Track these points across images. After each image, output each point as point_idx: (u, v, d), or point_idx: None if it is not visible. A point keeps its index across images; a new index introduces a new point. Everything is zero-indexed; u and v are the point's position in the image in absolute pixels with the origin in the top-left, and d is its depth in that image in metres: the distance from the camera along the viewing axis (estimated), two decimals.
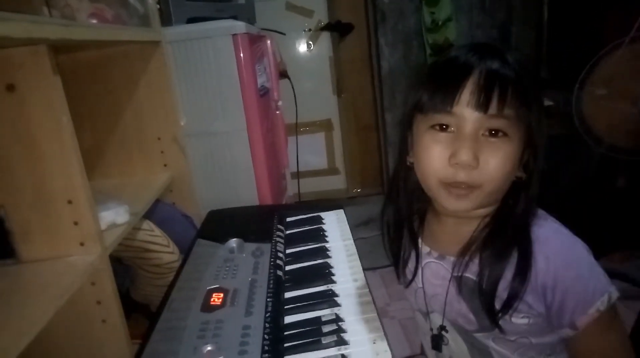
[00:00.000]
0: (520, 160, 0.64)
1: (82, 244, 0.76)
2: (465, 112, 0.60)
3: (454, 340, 0.75)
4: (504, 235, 0.64)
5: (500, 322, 0.65)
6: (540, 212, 0.67)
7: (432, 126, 0.64)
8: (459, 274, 0.69)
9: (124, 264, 1.09)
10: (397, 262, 0.80)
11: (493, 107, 0.59)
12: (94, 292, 0.79)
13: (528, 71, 0.63)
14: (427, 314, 0.78)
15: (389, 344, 0.70)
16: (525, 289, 0.62)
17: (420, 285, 0.76)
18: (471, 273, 0.67)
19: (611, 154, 1.86)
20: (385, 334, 0.73)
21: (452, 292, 0.71)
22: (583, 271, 0.62)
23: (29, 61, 0.66)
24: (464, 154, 0.59)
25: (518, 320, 0.65)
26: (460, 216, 0.69)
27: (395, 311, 1.93)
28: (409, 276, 0.78)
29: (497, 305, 0.64)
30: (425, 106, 0.64)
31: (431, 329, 0.78)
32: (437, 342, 0.77)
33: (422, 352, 1.00)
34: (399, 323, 1.85)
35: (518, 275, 0.62)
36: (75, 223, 0.75)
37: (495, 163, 0.60)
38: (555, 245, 0.63)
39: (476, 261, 0.66)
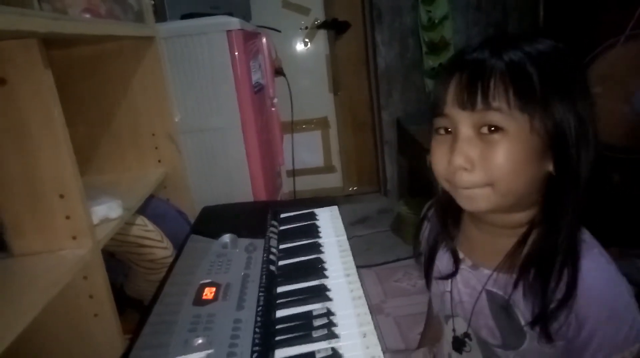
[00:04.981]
0: (543, 152, 0.58)
1: (74, 238, 0.77)
2: (454, 112, 0.59)
3: (474, 350, 0.73)
4: (550, 259, 0.60)
5: (527, 344, 0.64)
6: (587, 237, 0.62)
7: (436, 130, 0.63)
8: (493, 290, 0.67)
9: (118, 259, 1.10)
10: (431, 264, 0.77)
11: (480, 103, 0.56)
12: (86, 286, 0.79)
13: (542, 59, 0.57)
14: (450, 317, 0.76)
15: (379, 337, 0.71)
16: (567, 315, 0.59)
17: (449, 289, 0.74)
18: (502, 291, 0.65)
19: (605, 152, 1.86)
20: (377, 328, 0.73)
21: (481, 305, 0.69)
22: (619, 313, 0.58)
23: (19, 55, 0.66)
24: (454, 159, 0.58)
25: (544, 344, 0.63)
26: (496, 224, 0.66)
27: (390, 308, 1.94)
28: (436, 275, 0.76)
29: (523, 322, 0.63)
30: (430, 111, 0.64)
31: (454, 330, 0.76)
32: (459, 346, 0.75)
33: (420, 346, 1.00)
34: (394, 320, 1.85)
35: (561, 304, 0.59)
36: (67, 217, 0.76)
37: (497, 160, 0.56)
38: (595, 278, 0.59)
39: (511, 280, 0.63)
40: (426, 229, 0.82)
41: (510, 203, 0.60)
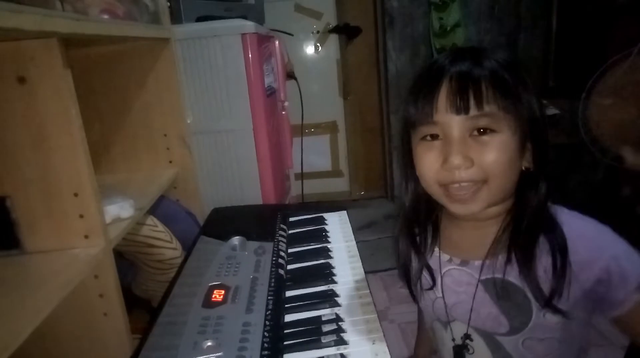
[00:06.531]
0: (521, 150, 0.64)
1: (86, 237, 0.77)
2: (446, 118, 0.62)
3: (478, 349, 0.73)
4: (526, 226, 0.64)
5: (534, 319, 0.65)
6: (566, 209, 0.66)
7: (423, 138, 0.66)
8: (488, 277, 0.68)
9: (127, 259, 1.10)
10: (410, 278, 0.77)
11: (473, 108, 0.60)
12: (96, 285, 0.79)
13: (509, 66, 0.63)
14: (447, 323, 0.75)
15: (387, 345, 0.71)
16: (570, 268, 0.61)
17: (440, 295, 0.74)
18: (499, 273, 0.66)
19: (616, 164, 1.85)
20: (385, 335, 0.73)
21: (480, 296, 0.69)
22: (619, 249, 0.62)
23: (40, 54, 0.66)
24: (454, 159, 0.61)
25: (551, 316, 0.64)
26: (478, 218, 0.68)
27: (394, 315, 1.93)
28: (426, 287, 0.76)
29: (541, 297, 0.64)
30: (411, 121, 0.67)
31: (453, 339, 0.75)
32: (461, 352, 0.74)
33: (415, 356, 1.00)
34: (398, 327, 1.85)
35: (556, 257, 0.61)
36: (81, 216, 0.76)
37: (491, 158, 0.61)
38: (580, 226, 0.64)
39: (502, 260, 0.65)
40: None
41: (499, 198, 0.65)
